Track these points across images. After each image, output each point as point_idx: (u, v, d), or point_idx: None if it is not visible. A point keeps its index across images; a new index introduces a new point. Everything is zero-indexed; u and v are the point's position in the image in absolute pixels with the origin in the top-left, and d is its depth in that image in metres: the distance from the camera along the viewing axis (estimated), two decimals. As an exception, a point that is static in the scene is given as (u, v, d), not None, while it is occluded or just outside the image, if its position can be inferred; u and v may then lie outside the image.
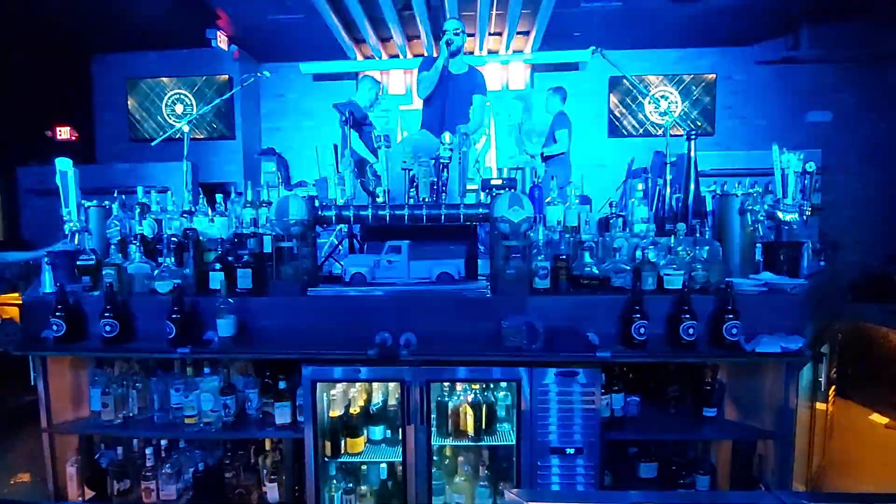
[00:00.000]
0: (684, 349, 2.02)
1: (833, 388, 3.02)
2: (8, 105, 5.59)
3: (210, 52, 5.72)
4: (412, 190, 2.28)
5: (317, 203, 2.28)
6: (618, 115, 6.69)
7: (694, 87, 6.54)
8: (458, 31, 3.28)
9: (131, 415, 2.31)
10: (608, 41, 6.02)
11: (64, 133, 6.09)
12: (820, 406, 2.69)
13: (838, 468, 2.93)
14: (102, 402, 2.25)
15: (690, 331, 2.01)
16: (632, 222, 2.48)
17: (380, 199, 2.34)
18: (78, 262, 2.23)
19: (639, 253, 2.24)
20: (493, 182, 2.40)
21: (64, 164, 2.32)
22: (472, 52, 6.29)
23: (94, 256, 2.23)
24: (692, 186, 2.65)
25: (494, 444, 2.21)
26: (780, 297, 2.12)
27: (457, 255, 2.39)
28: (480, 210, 2.25)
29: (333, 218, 2.23)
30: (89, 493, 2.34)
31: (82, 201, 2.45)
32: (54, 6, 4.87)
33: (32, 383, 2.32)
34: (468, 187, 2.62)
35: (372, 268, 2.32)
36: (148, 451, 2.28)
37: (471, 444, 2.21)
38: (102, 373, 2.30)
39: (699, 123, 6.51)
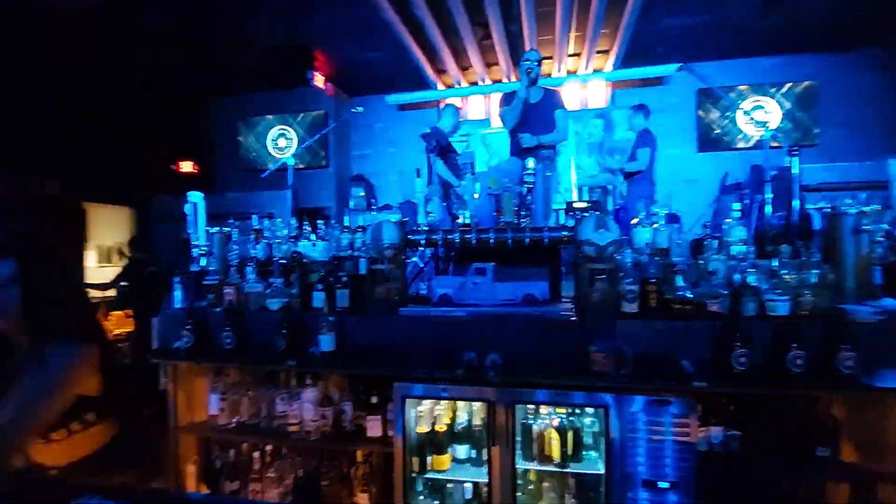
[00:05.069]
0: (792, 381, 1.87)
1: None
2: (142, 144, 6.56)
3: (308, 90, 6.32)
4: (496, 213, 2.36)
5: (407, 228, 2.43)
6: (708, 128, 6.33)
7: (793, 96, 6.03)
8: (539, 61, 3.38)
9: (243, 420, 2.54)
10: (694, 54, 5.81)
11: (186, 167, 7.00)
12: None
13: None
14: (220, 407, 2.51)
15: (798, 361, 1.85)
16: (728, 243, 2.35)
17: (461, 221, 2.44)
18: (204, 282, 2.56)
19: (737, 276, 2.12)
20: (576, 204, 2.41)
21: (195, 197, 2.70)
22: (549, 75, 6.34)
23: (217, 277, 2.54)
24: (796, 204, 2.47)
25: (581, 471, 2.16)
26: (906, 327, 1.90)
27: (541, 277, 2.41)
28: (565, 233, 2.27)
29: (423, 241, 2.36)
30: (205, 491, 2.60)
31: (207, 228, 2.82)
32: (181, 60, 5.70)
33: (162, 388, 2.66)
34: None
35: (458, 289, 2.41)
36: (255, 454, 2.51)
37: (556, 469, 2.17)
38: (220, 380, 2.57)
39: (800, 134, 5.98)
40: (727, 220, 2.41)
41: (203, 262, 2.73)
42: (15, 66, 5.02)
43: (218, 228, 2.86)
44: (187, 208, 2.87)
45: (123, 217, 6.97)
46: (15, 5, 4.34)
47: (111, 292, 5.04)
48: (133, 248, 5.09)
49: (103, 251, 6.51)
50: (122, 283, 4.97)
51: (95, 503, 0.76)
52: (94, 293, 4.97)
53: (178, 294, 2.66)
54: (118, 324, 5.16)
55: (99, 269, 6.24)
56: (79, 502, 0.76)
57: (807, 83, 5.98)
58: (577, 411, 2.22)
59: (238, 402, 2.54)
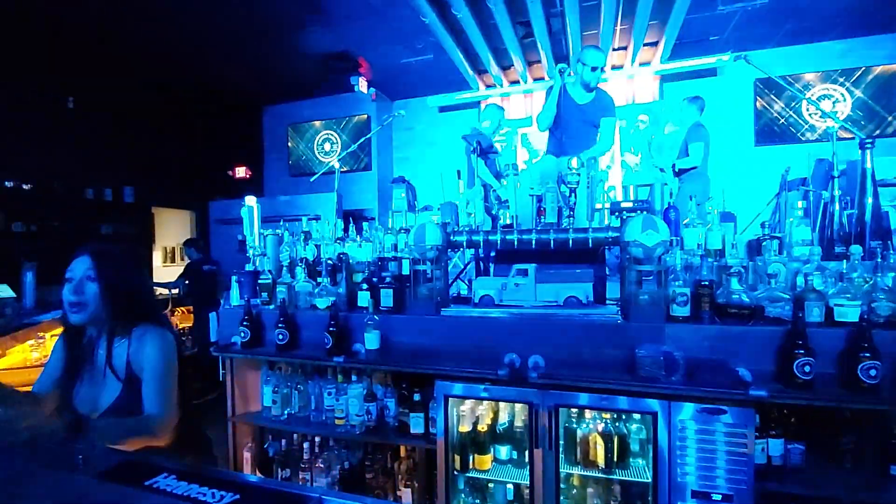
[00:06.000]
0: (864, 393, 1.73)
1: None
2: (201, 151, 6.97)
3: (352, 95, 6.50)
4: (539, 213, 2.33)
5: (449, 229, 2.45)
6: (768, 120, 5.97)
7: (865, 82, 5.56)
8: (595, 68, 3.26)
9: (293, 412, 2.65)
10: (752, 41, 5.50)
11: (240, 172, 7.37)
12: None
13: None
14: (272, 399, 2.64)
15: (872, 372, 1.72)
16: (790, 244, 2.21)
17: (502, 222, 2.42)
18: (259, 281, 2.69)
19: (800, 279, 1.99)
20: (623, 204, 2.34)
21: (250, 201, 2.84)
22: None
23: (270, 276, 2.67)
24: (869, 201, 2.28)
25: (627, 479, 2.10)
26: None
27: (584, 278, 2.36)
28: (610, 234, 2.21)
29: (465, 243, 2.38)
30: (259, 476, 2.75)
31: (261, 231, 2.96)
32: (234, 70, 6.01)
33: (221, 379, 2.82)
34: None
35: (500, 290, 2.40)
36: (305, 445, 2.61)
37: (601, 475, 2.12)
38: (273, 374, 2.70)
39: (874, 125, 5.51)
40: (789, 220, 2.27)
41: (258, 262, 2.87)
42: (94, 89, 5.48)
43: (271, 230, 3.00)
44: (243, 212, 3.03)
45: (186, 220, 7.44)
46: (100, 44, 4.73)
47: (175, 291, 5.42)
48: (187, 249, 5.56)
49: (168, 252, 6.98)
50: (185, 282, 5.33)
51: (170, 482, 0.83)
52: (161, 290, 5.35)
53: (235, 292, 2.81)
54: (182, 319, 5.54)
55: (164, 269, 6.70)
56: (154, 481, 0.84)
57: (882, 67, 5.50)
58: (623, 417, 2.16)
59: (289, 394, 2.66)
